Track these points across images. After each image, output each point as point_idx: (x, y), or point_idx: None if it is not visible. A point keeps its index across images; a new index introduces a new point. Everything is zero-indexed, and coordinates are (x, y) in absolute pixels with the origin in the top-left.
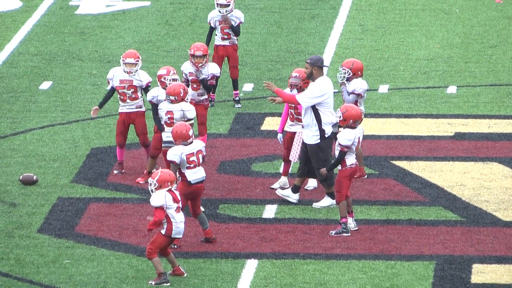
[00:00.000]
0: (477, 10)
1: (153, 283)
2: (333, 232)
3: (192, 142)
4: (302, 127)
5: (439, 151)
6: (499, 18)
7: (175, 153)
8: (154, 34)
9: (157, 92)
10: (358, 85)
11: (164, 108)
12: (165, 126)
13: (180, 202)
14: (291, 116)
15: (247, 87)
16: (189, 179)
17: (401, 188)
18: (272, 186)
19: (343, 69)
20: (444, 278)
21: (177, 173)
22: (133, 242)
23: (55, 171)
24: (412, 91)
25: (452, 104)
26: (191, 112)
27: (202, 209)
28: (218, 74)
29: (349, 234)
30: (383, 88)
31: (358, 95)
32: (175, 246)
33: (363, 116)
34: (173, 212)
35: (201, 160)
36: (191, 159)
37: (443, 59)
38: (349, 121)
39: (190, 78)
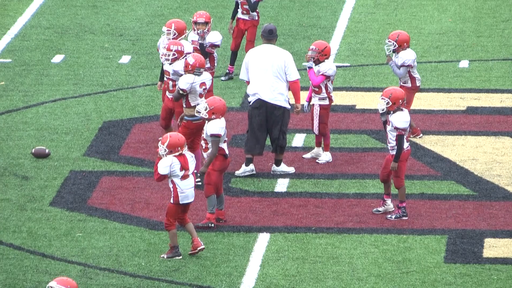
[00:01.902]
0: None
1: (165, 256)
2: (393, 216)
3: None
4: (318, 99)
5: (451, 125)
6: None
7: (221, 126)
8: (166, 7)
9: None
10: (407, 56)
11: (198, 80)
12: (198, 98)
13: (188, 170)
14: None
15: None
16: (226, 152)
17: (413, 162)
18: (304, 156)
19: (389, 41)
20: (456, 252)
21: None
22: (145, 216)
23: (67, 144)
24: (424, 65)
25: (464, 79)
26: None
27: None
28: (217, 43)
29: (407, 217)
30: None
31: (408, 66)
32: (212, 225)
33: (420, 83)
34: (177, 180)
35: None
36: (226, 132)
37: (455, 33)
38: (398, 103)
39: (193, 46)
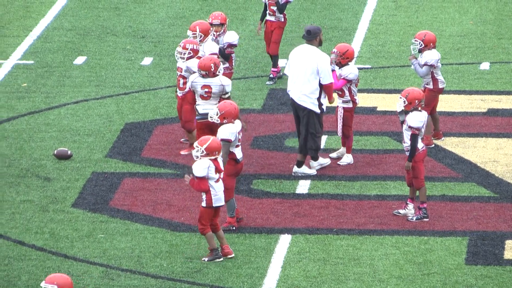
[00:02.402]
0: None
1: (206, 259)
2: (414, 217)
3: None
4: (342, 102)
5: (472, 127)
6: None
7: (231, 131)
8: (188, 9)
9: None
10: (430, 56)
11: (199, 81)
12: (200, 99)
13: (222, 173)
14: None
15: (281, 63)
16: (238, 157)
17: (434, 164)
18: (330, 155)
19: (415, 40)
20: (477, 254)
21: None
22: (167, 217)
23: (89, 145)
24: (445, 67)
25: (485, 81)
26: (230, 86)
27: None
28: (234, 42)
29: (428, 219)
30: None
31: (431, 66)
32: (233, 228)
33: (444, 85)
34: (213, 183)
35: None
36: (239, 137)
37: (476, 36)
38: (415, 103)
39: None
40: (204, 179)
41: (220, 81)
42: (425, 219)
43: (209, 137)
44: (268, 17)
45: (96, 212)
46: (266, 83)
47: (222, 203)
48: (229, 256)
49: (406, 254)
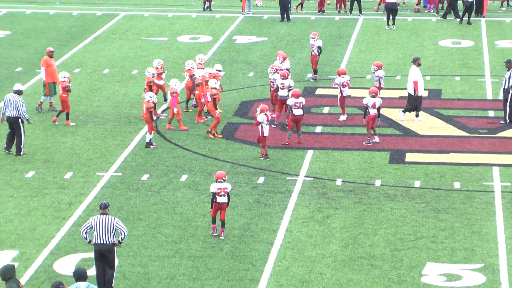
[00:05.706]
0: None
1: (262, 159)
2: (368, 143)
3: (299, 97)
4: (343, 92)
5: (395, 105)
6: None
7: (292, 101)
8: (270, 52)
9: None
10: (380, 74)
11: (279, 81)
12: (280, 89)
13: (269, 121)
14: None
15: (309, 76)
16: (295, 113)
17: (381, 123)
18: (340, 119)
19: (373, 66)
20: (393, 159)
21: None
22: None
23: (227, 110)
24: (385, 78)
25: (399, 84)
26: (292, 82)
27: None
28: (287, 67)
29: (376, 141)
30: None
31: (380, 78)
32: (287, 143)
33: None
34: (264, 125)
35: (302, 106)
36: (296, 105)
37: (397, 64)
38: (371, 94)
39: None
40: (259, 122)
41: (288, 81)
42: (372, 142)
43: (261, 105)
44: (312, 53)
45: (228, 139)
46: (311, 80)
47: (267, 134)
48: (267, 158)
49: (363, 159)
